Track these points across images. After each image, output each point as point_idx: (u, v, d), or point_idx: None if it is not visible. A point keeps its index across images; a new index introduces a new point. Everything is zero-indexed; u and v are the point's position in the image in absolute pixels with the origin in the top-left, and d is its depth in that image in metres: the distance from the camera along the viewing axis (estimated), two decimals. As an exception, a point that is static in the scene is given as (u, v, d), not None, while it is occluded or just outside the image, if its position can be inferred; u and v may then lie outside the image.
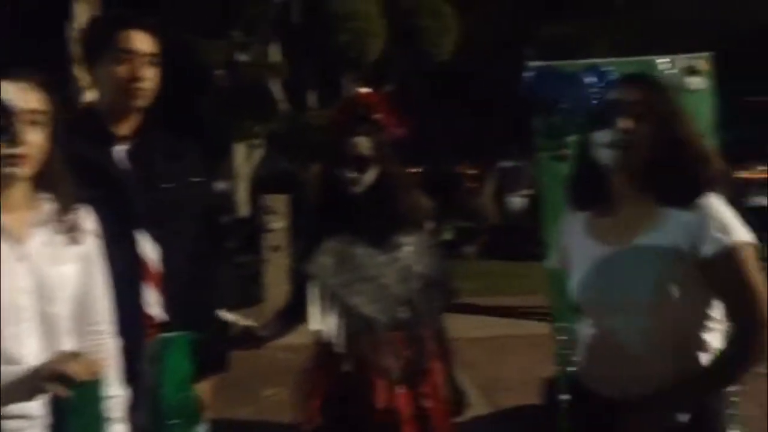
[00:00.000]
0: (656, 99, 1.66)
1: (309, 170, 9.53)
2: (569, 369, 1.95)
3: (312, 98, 9.66)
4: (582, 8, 9.47)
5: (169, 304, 1.96)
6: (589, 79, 3.42)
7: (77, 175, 1.71)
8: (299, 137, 8.67)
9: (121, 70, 1.93)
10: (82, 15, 7.28)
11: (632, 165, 1.63)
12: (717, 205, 1.63)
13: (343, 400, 2.17)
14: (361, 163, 2.16)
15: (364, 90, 2.42)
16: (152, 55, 1.97)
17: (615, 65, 3.48)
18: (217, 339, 2.19)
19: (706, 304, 1.66)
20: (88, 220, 1.61)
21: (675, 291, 1.60)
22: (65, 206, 1.55)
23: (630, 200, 1.69)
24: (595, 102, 3.35)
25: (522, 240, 10.08)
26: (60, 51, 8.07)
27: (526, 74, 3.46)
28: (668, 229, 1.62)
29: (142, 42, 1.95)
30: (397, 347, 2.17)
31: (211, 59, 10.87)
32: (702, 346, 1.66)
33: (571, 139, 3.36)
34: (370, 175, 2.18)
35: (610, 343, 1.71)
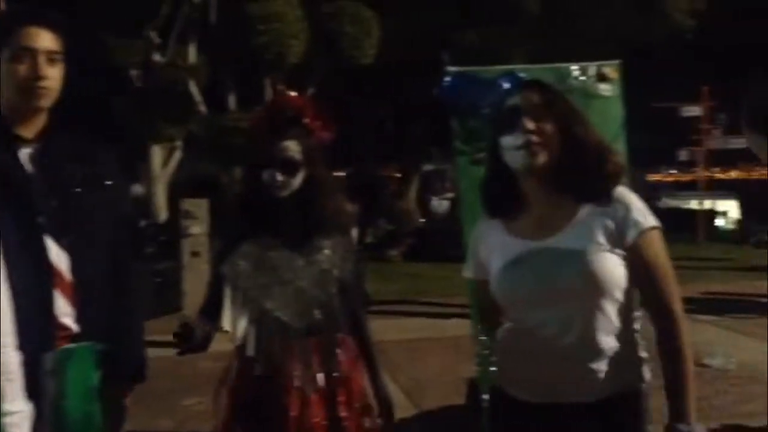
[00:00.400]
0: (554, 100, 1.73)
1: (229, 174, 9.38)
2: (490, 369, 1.98)
3: (232, 101, 9.51)
4: (499, 16, 9.70)
5: (82, 314, 1.87)
6: (506, 85, 3.50)
7: None
8: (218, 140, 8.51)
9: (22, 69, 1.84)
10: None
11: (541, 164, 1.68)
12: (628, 194, 1.71)
13: (257, 406, 2.13)
14: (290, 167, 2.14)
15: (291, 93, 2.39)
16: (55, 52, 1.88)
17: (530, 72, 3.57)
18: (134, 348, 2.12)
19: (630, 296, 1.71)
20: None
21: (599, 282, 1.64)
22: None
23: (544, 201, 1.73)
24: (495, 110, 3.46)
25: (445, 242, 10.23)
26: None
27: (444, 79, 3.51)
28: (587, 223, 1.68)
29: (44, 39, 1.87)
30: (310, 353, 2.14)
31: (127, 59, 10.57)
32: (625, 334, 1.70)
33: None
34: (298, 179, 2.16)
35: (529, 340, 1.72)
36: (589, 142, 1.72)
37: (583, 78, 3.58)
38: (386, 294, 8.93)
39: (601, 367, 1.66)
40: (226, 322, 2.24)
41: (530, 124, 1.67)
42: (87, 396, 1.51)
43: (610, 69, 3.62)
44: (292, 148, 2.14)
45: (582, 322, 1.66)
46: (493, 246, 1.80)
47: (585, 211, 1.69)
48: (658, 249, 1.69)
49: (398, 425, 4.24)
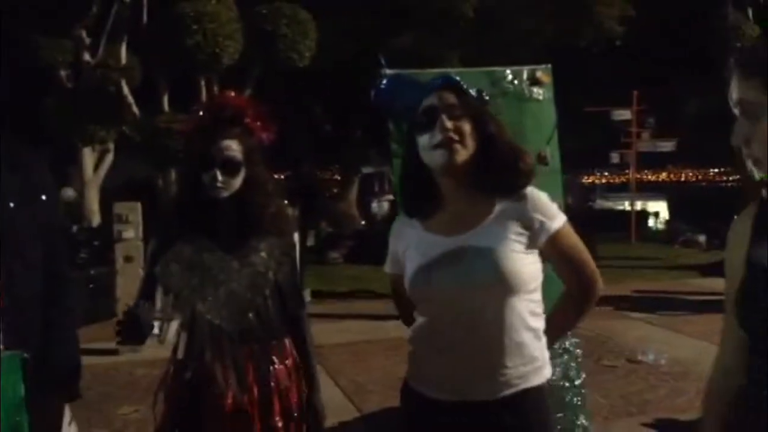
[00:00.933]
0: (468, 101, 1.75)
1: (164, 176, 9.20)
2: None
3: (165, 102, 9.33)
4: (434, 19, 9.81)
5: (12, 328, 1.77)
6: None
7: None
8: (152, 142, 8.33)
9: None
10: None
11: (460, 162, 1.70)
12: (538, 192, 1.77)
13: (192, 412, 2.08)
14: (231, 167, 2.10)
15: (231, 93, 2.34)
16: None
17: (464, 75, 3.59)
18: (69, 356, 2.03)
19: (538, 294, 1.75)
20: None
21: (510, 280, 1.66)
22: None
23: (460, 198, 1.76)
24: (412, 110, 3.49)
25: (385, 244, 10.24)
26: None
27: (380, 82, 3.50)
28: (501, 221, 1.71)
29: None
30: (243, 362, 2.10)
31: (55, 59, 10.25)
32: (534, 331, 1.73)
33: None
34: (238, 180, 2.12)
35: (440, 338, 1.73)
36: (504, 141, 1.75)
37: (516, 81, 3.63)
38: (327, 296, 8.90)
39: (510, 363, 1.69)
40: (155, 327, 2.18)
41: (448, 123, 1.69)
42: (15, 406, 1.44)
43: (542, 73, 3.68)
44: (233, 147, 2.10)
45: (493, 320, 1.68)
46: (409, 242, 1.81)
47: (499, 207, 1.73)
48: (570, 241, 1.78)
49: (340, 428, 4.26)
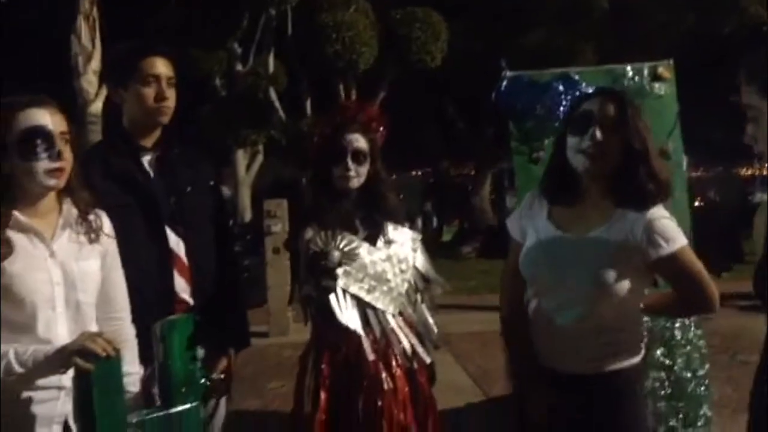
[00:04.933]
0: (627, 115, 1.84)
1: (306, 175, 9.72)
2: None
3: (308, 106, 9.88)
4: (564, 14, 9.71)
5: (196, 290, 2.26)
6: (561, 88, 3.66)
7: (114, 183, 2.06)
8: (297, 144, 8.90)
9: (149, 92, 2.23)
10: (83, 30, 7.56)
11: (600, 171, 1.86)
12: (663, 212, 1.88)
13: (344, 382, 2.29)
14: (360, 157, 2.33)
15: (351, 100, 2.65)
16: (172, 77, 2.28)
17: (584, 74, 3.71)
18: (239, 317, 2.49)
19: (640, 294, 1.91)
20: (104, 222, 1.89)
21: (613, 282, 1.82)
22: (84, 210, 1.83)
23: (591, 198, 1.92)
24: (566, 109, 3.61)
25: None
26: (61, 64, 8.35)
27: (501, 83, 3.70)
28: (619, 227, 1.86)
29: (164, 66, 2.27)
30: (406, 331, 2.33)
31: (211, 69, 11.15)
32: (629, 328, 1.92)
33: (546, 142, 3.63)
34: (365, 170, 2.34)
35: (545, 320, 1.94)
36: (646, 159, 1.84)
37: (636, 78, 3.68)
38: (460, 290, 9.11)
39: (602, 340, 1.87)
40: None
41: (599, 135, 1.81)
42: (189, 359, 1.82)
43: (664, 68, 3.70)
44: (360, 139, 2.35)
45: (591, 318, 1.85)
46: (532, 220, 2.00)
47: (616, 217, 1.86)
48: (685, 266, 1.86)
49: (466, 409, 4.49)
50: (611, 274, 1.81)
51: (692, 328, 3.59)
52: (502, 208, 15.85)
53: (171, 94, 2.27)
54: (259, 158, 13.59)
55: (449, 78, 11.26)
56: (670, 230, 1.84)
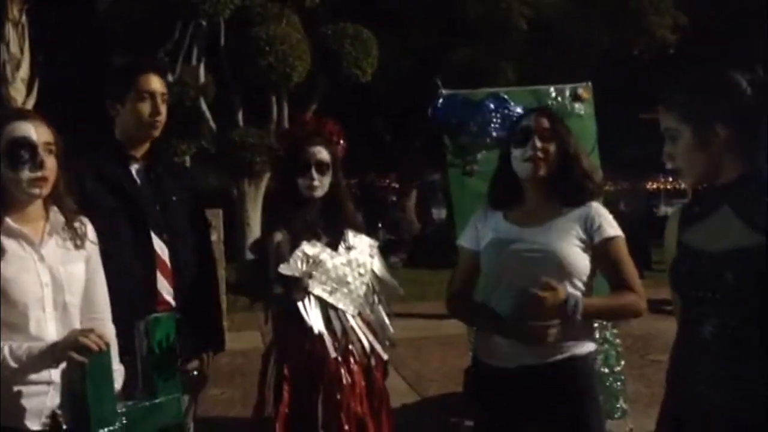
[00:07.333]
0: (558, 125, 2.20)
1: (238, 186, 9.81)
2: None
3: (239, 117, 9.91)
4: (487, 34, 10.13)
5: (178, 293, 2.40)
6: (492, 106, 3.96)
7: (104, 188, 2.20)
8: (227, 154, 8.95)
9: (145, 108, 2.37)
10: (11, 37, 7.38)
11: (541, 176, 2.15)
12: (600, 206, 2.20)
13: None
14: (323, 168, 2.51)
15: (310, 115, 2.85)
16: (165, 93, 2.42)
17: (512, 94, 4.03)
18: (216, 319, 2.63)
19: (588, 281, 2.16)
20: (88, 229, 2.01)
21: (564, 267, 2.09)
22: (70, 217, 1.95)
23: (536, 201, 2.20)
24: (496, 125, 3.90)
25: (441, 249, 10.61)
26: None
27: (437, 101, 3.96)
28: (568, 218, 2.15)
29: (158, 83, 2.41)
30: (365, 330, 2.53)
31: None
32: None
33: (479, 156, 3.91)
34: (328, 180, 2.53)
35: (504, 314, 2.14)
36: (579, 161, 2.18)
37: (559, 98, 4.01)
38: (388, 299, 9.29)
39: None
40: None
41: (538, 143, 2.13)
42: (170, 353, 1.96)
43: (583, 89, 4.04)
44: (323, 151, 2.54)
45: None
46: (490, 226, 2.25)
47: (565, 212, 2.16)
48: (622, 255, 2.15)
49: (402, 409, 4.71)
50: (569, 255, 2.09)
51: (609, 328, 3.94)
52: (428, 220, 16.24)
53: (164, 110, 2.42)
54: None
55: (379, 92, 11.54)
56: (612, 219, 2.18)
